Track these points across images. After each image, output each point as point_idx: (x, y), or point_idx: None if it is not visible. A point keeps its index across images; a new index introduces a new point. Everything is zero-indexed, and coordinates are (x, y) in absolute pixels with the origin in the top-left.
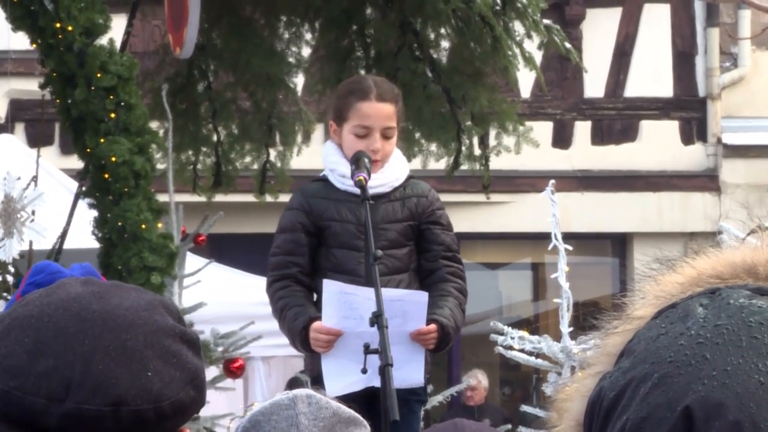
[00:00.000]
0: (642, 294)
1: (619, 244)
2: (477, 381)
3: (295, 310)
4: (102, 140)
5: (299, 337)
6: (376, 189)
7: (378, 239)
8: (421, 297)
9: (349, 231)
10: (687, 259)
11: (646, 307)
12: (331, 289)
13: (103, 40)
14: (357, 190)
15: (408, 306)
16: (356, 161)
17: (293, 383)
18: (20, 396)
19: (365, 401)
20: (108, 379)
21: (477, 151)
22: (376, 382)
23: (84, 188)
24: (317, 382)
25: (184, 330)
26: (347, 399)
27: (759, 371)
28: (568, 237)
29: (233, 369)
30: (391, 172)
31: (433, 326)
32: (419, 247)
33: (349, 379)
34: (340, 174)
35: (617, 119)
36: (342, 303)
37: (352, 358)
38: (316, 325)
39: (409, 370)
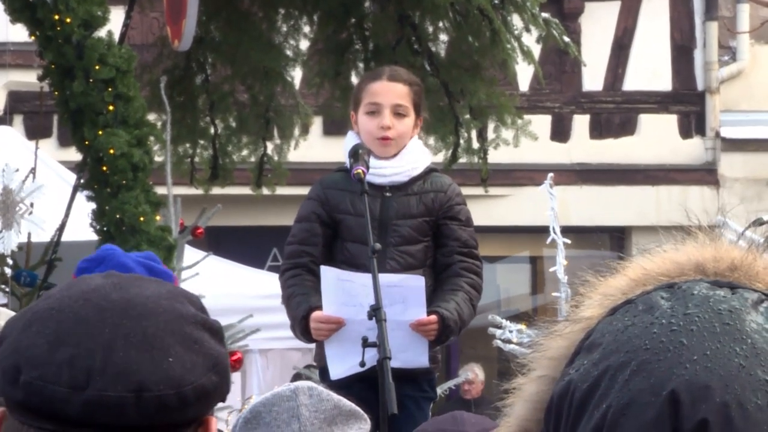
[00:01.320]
0: (584, 297)
1: (617, 238)
2: (474, 374)
3: (299, 298)
4: (100, 132)
5: (299, 326)
6: (392, 177)
7: (391, 235)
8: (418, 281)
9: (363, 225)
10: (632, 260)
11: (593, 308)
12: (329, 275)
13: (102, 33)
14: (375, 179)
15: (407, 291)
16: (354, 154)
17: (297, 378)
18: (42, 385)
19: (369, 387)
20: (129, 365)
21: (475, 145)
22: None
23: (82, 180)
24: (325, 371)
25: (205, 318)
26: (352, 386)
27: (738, 355)
28: (566, 230)
29: (231, 362)
30: (408, 159)
31: (433, 317)
32: (436, 243)
33: (352, 362)
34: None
35: (616, 113)
36: (340, 290)
37: (354, 343)
38: (316, 314)
39: (414, 353)
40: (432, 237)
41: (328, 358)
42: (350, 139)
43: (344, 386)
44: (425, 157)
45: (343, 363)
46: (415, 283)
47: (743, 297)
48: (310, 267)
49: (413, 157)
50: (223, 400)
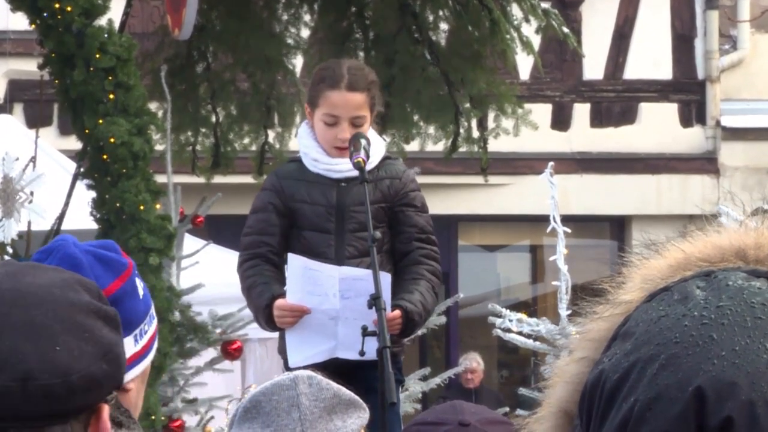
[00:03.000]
0: (627, 278)
1: (617, 227)
2: (476, 363)
3: (260, 288)
4: (101, 121)
5: (263, 314)
6: (347, 173)
7: (349, 221)
8: (384, 278)
9: (320, 213)
10: (674, 243)
11: (633, 292)
12: (296, 264)
13: (102, 21)
14: (329, 173)
15: (371, 286)
16: (354, 142)
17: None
18: None
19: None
20: (15, 354)
21: (475, 134)
22: (341, 354)
23: (82, 169)
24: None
25: (100, 306)
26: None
27: (767, 351)
28: (566, 219)
29: (231, 351)
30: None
31: (397, 312)
32: (393, 230)
33: (312, 351)
34: (312, 158)
35: (616, 101)
36: (306, 279)
37: (316, 331)
38: (279, 302)
39: (373, 344)
40: (387, 223)
41: (288, 346)
42: (304, 132)
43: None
44: (380, 149)
45: (302, 351)
46: (381, 279)
47: None
48: (269, 257)
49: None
50: (117, 388)
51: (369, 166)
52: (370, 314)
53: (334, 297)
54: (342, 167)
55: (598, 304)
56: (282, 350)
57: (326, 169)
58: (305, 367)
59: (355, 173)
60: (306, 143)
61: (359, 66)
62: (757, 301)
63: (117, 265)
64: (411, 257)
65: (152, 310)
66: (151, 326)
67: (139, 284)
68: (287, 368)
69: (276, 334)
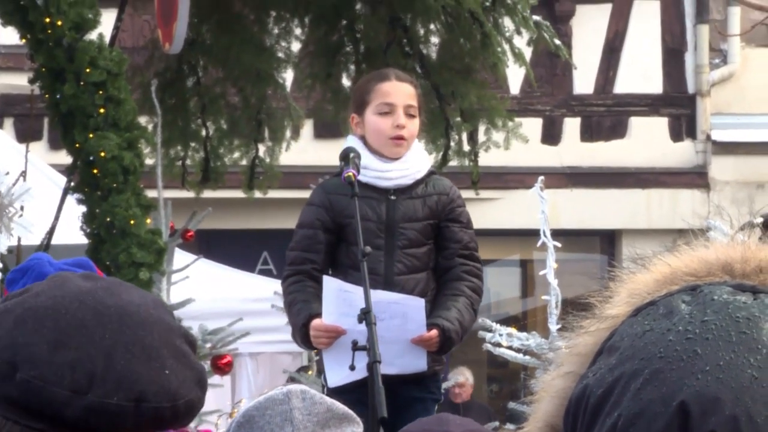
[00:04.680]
0: (614, 293)
1: (607, 241)
2: (465, 378)
3: (299, 305)
4: (91, 135)
5: (299, 333)
6: (398, 180)
7: (398, 238)
8: (418, 302)
9: (369, 229)
10: (661, 257)
11: (620, 306)
12: (331, 286)
13: (93, 35)
14: (378, 182)
15: (406, 309)
16: (345, 157)
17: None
18: (41, 386)
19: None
20: (130, 374)
21: (466, 147)
22: (383, 370)
23: (73, 183)
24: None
25: (186, 331)
26: (354, 391)
27: (751, 365)
28: (556, 233)
29: (221, 365)
30: (414, 162)
31: (434, 332)
32: (437, 245)
33: (349, 370)
34: (363, 165)
35: (606, 116)
36: (341, 300)
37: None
38: (315, 322)
39: (412, 357)
40: (434, 239)
41: (326, 366)
42: (352, 141)
43: (346, 391)
44: (427, 159)
45: (341, 371)
46: (415, 303)
47: (764, 303)
48: (313, 274)
49: (417, 160)
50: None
51: (418, 174)
52: (406, 333)
53: None
54: (392, 174)
55: (585, 318)
56: (322, 370)
57: (376, 177)
58: (344, 386)
59: (406, 182)
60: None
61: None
62: (741, 316)
63: None
64: (453, 273)
65: None
66: None
67: None
68: (327, 388)
69: (267, 349)
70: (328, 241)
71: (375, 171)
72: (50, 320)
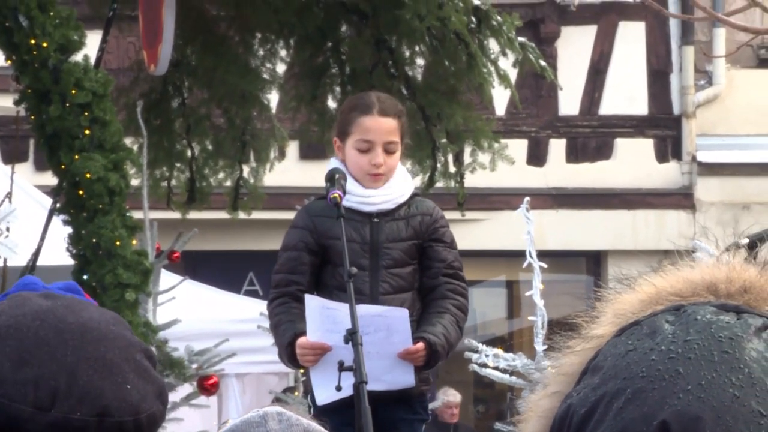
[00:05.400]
0: (600, 313)
1: (593, 262)
2: (455, 399)
3: (285, 326)
4: (77, 157)
5: (286, 352)
6: (381, 205)
7: (383, 258)
8: (402, 312)
9: (354, 250)
10: (646, 277)
11: (605, 326)
12: (313, 304)
13: (78, 57)
14: (362, 207)
15: (390, 321)
16: (331, 178)
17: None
18: (5, 403)
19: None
20: (93, 389)
21: (452, 169)
22: (370, 386)
23: (58, 205)
24: (313, 396)
25: (146, 346)
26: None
27: (733, 385)
28: (542, 254)
29: (207, 386)
30: (396, 188)
31: (420, 345)
32: (421, 265)
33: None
34: (348, 191)
35: (592, 137)
36: (325, 317)
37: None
38: (301, 340)
39: (399, 373)
40: (418, 260)
41: (314, 384)
42: (334, 166)
43: (334, 411)
44: (410, 183)
45: (329, 388)
46: (399, 314)
47: (747, 323)
48: (298, 295)
49: (400, 186)
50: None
51: (401, 199)
52: (392, 346)
53: None
54: (375, 199)
55: (572, 338)
56: (308, 390)
57: (359, 202)
58: (332, 403)
59: (389, 206)
60: None
61: (387, 95)
62: (724, 335)
63: None
64: (438, 291)
65: None
66: None
67: None
68: (314, 407)
69: (253, 370)
70: (313, 262)
71: (358, 197)
72: (12, 339)
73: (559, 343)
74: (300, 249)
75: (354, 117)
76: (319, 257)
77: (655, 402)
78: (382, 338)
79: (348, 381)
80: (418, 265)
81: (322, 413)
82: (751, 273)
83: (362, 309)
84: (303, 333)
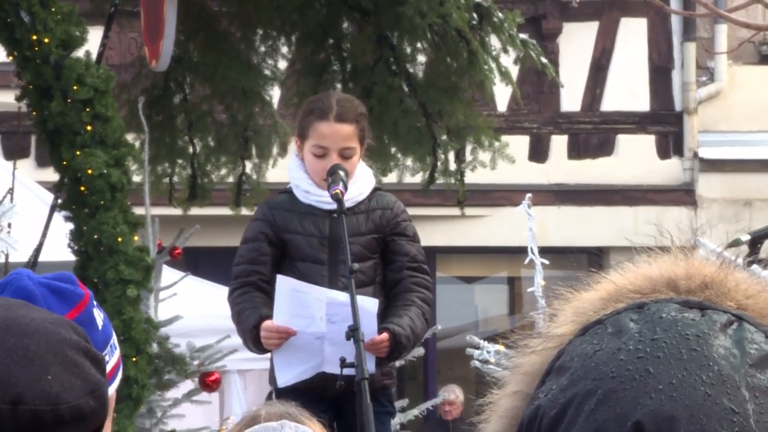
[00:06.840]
0: (557, 312)
1: (595, 258)
2: (455, 395)
3: (248, 312)
4: (78, 153)
5: (250, 335)
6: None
7: (342, 252)
8: (371, 303)
9: (312, 244)
10: (605, 275)
11: (566, 325)
12: (284, 285)
13: (80, 53)
14: (320, 205)
15: (359, 312)
16: (332, 174)
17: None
18: None
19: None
20: (8, 378)
21: (453, 166)
22: (328, 369)
23: (60, 201)
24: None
25: (88, 346)
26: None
27: (704, 383)
28: (544, 251)
29: (209, 383)
30: (355, 188)
31: (384, 335)
32: (384, 259)
33: (299, 369)
34: (304, 189)
35: (594, 133)
36: (294, 301)
37: (302, 349)
38: (266, 323)
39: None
40: (380, 254)
41: (276, 366)
42: (294, 164)
43: (293, 393)
44: (370, 181)
45: (290, 370)
46: (368, 305)
47: (712, 320)
48: (260, 285)
49: (359, 185)
50: (100, 428)
51: (360, 197)
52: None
53: (321, 320)
54: (332, 199)
55: (530, 337)
56: (271, 376)
57: (318, 201)
58: (293, 386)
59: (348, 205)
60: (296, 175)
61: (348, 98)
62: (691, 333)
63: (72, 296)
64: (402, 285)
65: (113, 340)
66: (112, 357)
67: (98, 315)
68: (276, 389)
69: (255, 366)
70: (273, 253)
71: (316, 196)
72: None
73: (517, 342)
74: (260, 240)
75: (311, 121)
76: (279, 249)
77: (628, 403)
78: (347, 327)
79: (311, 362)
80: (380, 260)
81: (281, 394)
82: (711, 268)
83: (333, 295)
84: (268, 317)
